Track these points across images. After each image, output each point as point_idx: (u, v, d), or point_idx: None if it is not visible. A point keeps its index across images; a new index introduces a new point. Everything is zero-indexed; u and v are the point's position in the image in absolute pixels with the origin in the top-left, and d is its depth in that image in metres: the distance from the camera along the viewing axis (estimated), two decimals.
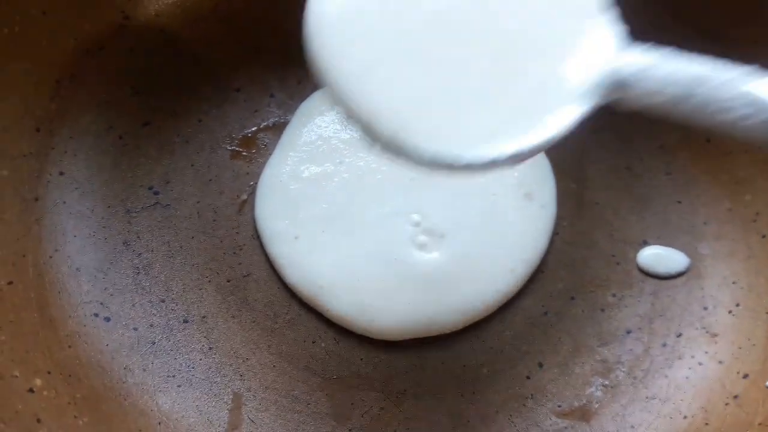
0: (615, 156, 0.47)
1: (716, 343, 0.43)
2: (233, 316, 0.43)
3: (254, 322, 0.43)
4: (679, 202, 0.46)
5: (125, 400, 0.39)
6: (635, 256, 0.46)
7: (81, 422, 0.36)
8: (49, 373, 0.37)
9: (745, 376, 0.41)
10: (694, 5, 0.44)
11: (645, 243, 0.46)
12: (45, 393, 0.36)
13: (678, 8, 0.45)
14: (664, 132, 0.47)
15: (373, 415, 0.42)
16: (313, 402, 0.41)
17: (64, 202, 0.43)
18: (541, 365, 0.43)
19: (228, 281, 0.44)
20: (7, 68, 0.41)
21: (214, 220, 0.45)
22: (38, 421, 0.35)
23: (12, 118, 0.41)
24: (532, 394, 0.42)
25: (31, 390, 0.36)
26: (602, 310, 0.44)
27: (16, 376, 0.35)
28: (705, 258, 0.45)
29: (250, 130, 0.47)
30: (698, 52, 0.30)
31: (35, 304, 0.39)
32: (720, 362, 0.42)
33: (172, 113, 0.46)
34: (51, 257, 0.41)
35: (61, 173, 0.43)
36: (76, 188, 0.43)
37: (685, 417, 0.41)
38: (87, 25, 0.44)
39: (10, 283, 0.39)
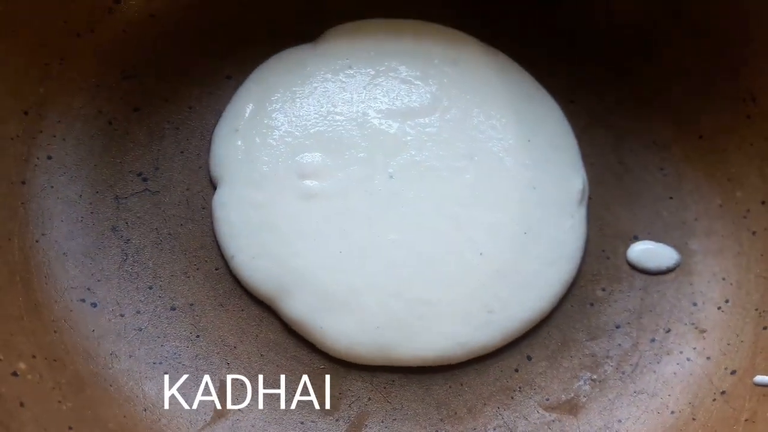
0: (608, 151, 0.47)
1: (705, 339, 0.43)
2: (221, 304, 0.43)
3: (242, 310, 0.43)
4: (671, 197, 0.46)
5: (111, 386, 0.39)
6: (625, 251, 0.45)
7: (65, 407, 0.36)
8: (33, 357, 0.37)
9: (733, 372, 0.41)
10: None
11: (635, 238, 0.46)
12: (29, 377, 0.36)
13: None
14: (658, 128, 0.47)
15: (360, 406, 0.41)
16: (301, 391, 0.41)
17: (52, 187, 0.42)
18: (529, 358, 0.43)
19: (216, 269, 0.43)
20: None
21: (203, 208, 0.45)
22: (21, 405, 0.34)
23: None
24: (520, 387, 0.42)
25: (14, 374, 0.35)
26: (591, 304, 0.44)
27: (0, 359, 0.35)
28: (695, 254, 0.45)
29: None
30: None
31: (20, 288, 0.39)
32: (708, 358, 0.42)
33: (162, 99, 0.46)
34: (37, 241, 0.41)
35: (49, 157, 0.43)
36: (64, 173, 0.43)
37: (672, 412, 0.41)
38: (76, 7, 0.43)
39: None
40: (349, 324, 0.41)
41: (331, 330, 0.41)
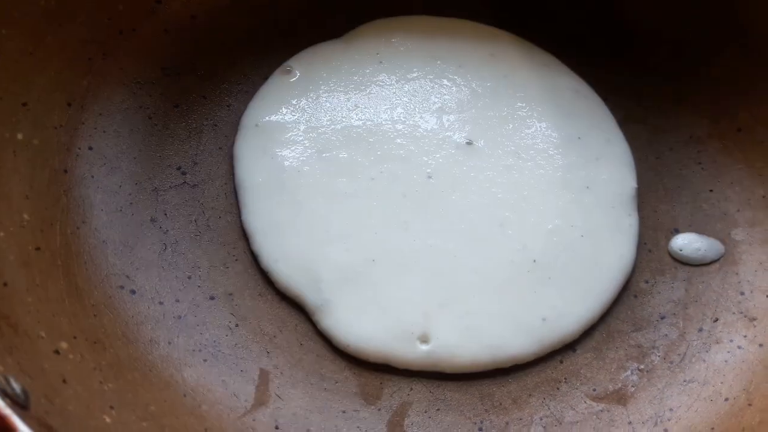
0: (644, 146, 0.47)
1: (755, 326, 0.42)
2: (260, 294, 0.42)
3: (281, 300, 0.42)
4: (711, 190, 0.46)
5: (150, 371, 0.38)
6: (667, 244, 0.45)
7: (106, 387, 0.35)
8: (74, 338, 0.36)
9: None
10: None
11: (676, 231, 0.45)
12: (71, 356, 0.35)
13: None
14: (695, 123, 0.47)
15: (402, 396, 0.40)
16: (342, 381, 0.40)
17: (92, 177, 0.42)
18: (574, 350, 0.42)
19: (254, 260, 0.43)
20: (44, 41, 0.41)
21: None
22: (64, 381, 0.34)
23: (45, 90, 0.41)
24: (565, 378, 0.41)
25: (56, 351, 0.35)
26: (635, 296, 0.44)
27: (43, 337, 0.34)
28: (739, 244, 0.44)
29: None
30: None
31: (62, 272, 0.38)
32: (761, 345, 0.41)
33: (201, 96, 0.46)
34: (78, 228, 0.41)
35: (90, 148, 0.43)
36: (105, 164, 0.43)
37: (726, 399, 0.39)
38: (121, 6, 0.44)
39: (38, 248, 0.38)
40: (383, 335, 0.40)
41: (363, 339, 0.40)
